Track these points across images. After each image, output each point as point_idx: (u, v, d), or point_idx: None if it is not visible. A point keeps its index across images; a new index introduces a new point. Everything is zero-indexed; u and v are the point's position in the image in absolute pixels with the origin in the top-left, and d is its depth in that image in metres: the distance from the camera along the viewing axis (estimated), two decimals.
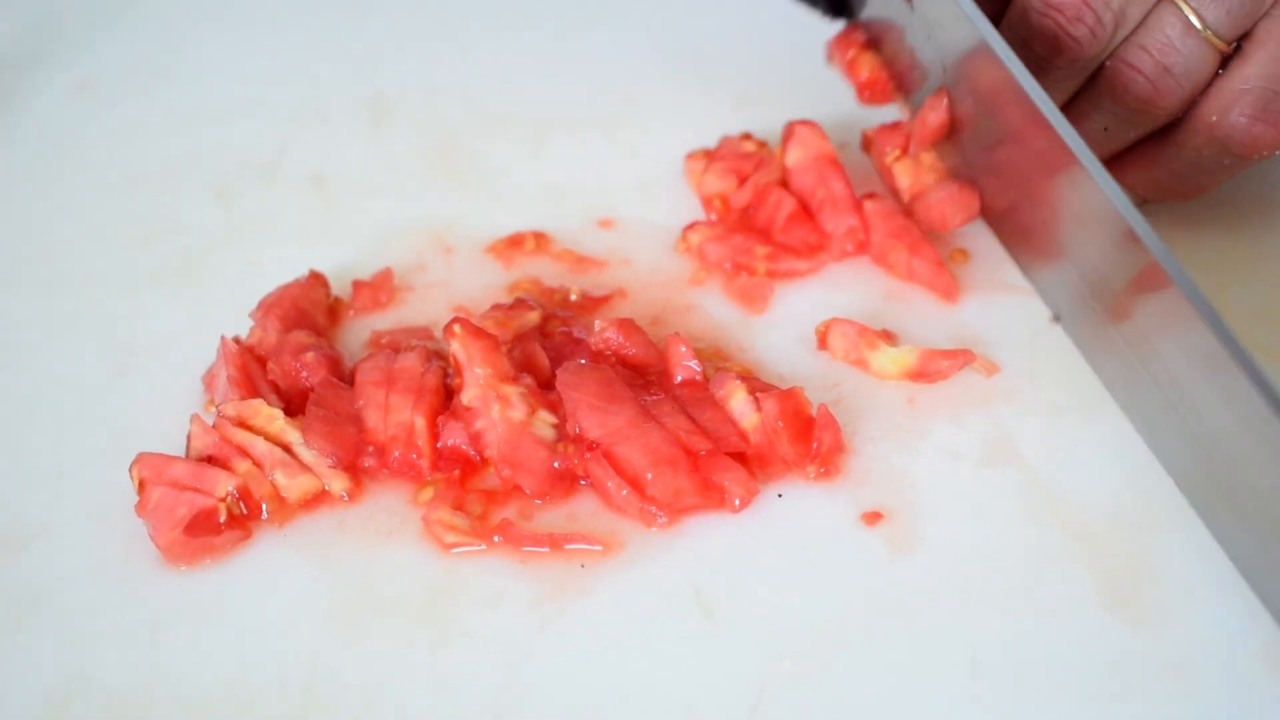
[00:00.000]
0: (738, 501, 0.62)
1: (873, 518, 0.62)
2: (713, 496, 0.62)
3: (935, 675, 0.57)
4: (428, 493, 0.64)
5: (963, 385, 0.66)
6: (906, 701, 0.56)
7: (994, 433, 0.64)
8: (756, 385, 0.65)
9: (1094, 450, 0.63)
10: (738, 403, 0.64)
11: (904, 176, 0.73)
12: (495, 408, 0.64)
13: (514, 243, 0.75)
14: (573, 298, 0.71)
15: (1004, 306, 0.69)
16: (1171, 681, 0.55)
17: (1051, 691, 0.56)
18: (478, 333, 0.65)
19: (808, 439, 0.63)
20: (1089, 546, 0.59)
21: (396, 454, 0.64)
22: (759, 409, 0.63)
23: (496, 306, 0.70)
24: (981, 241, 0.73)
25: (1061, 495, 0.61)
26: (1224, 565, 0.58)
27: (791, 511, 0.62)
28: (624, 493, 0.62)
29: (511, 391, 0.64)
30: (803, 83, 0.82)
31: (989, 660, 0.57)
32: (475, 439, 0.64)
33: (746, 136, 0.78)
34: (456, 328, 0.65)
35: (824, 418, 0.63)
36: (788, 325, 0.70)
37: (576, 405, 0.64)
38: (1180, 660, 0.56)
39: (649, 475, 0.62)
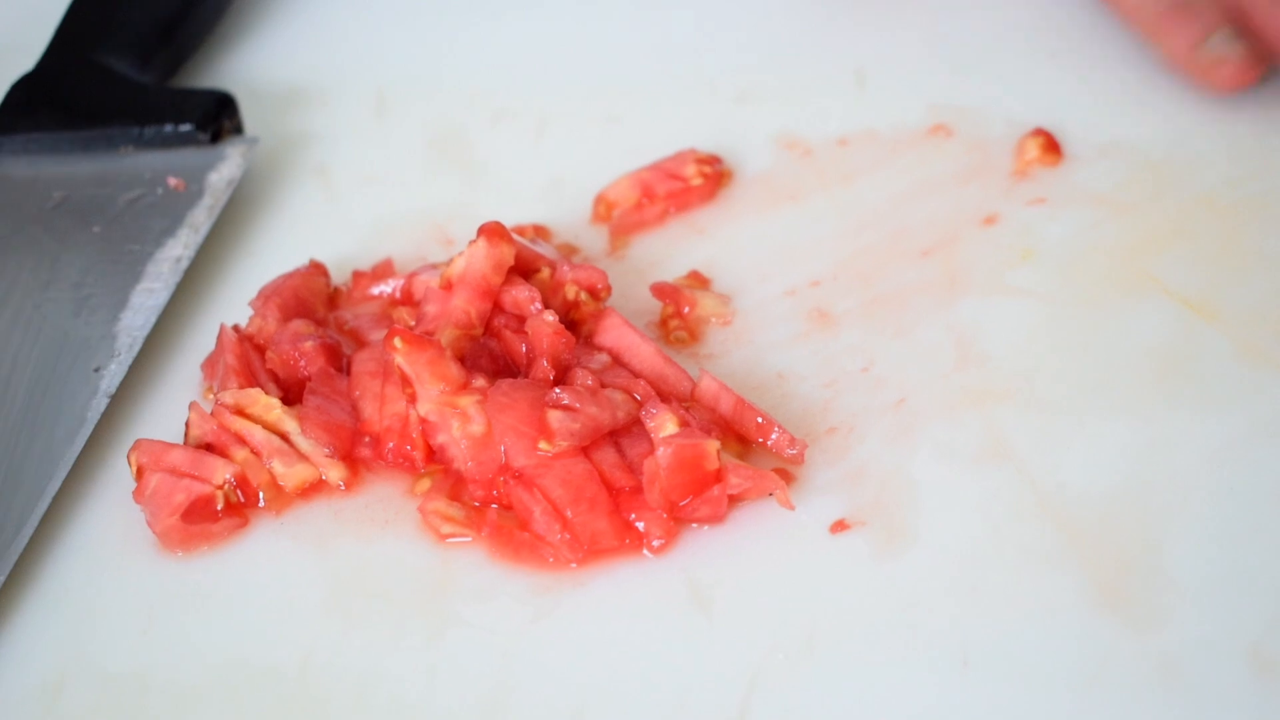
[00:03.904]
0: (656, 543, 0.61)
1: (867, 515, 0.61)
2: (633, 539, 0.61)
3: (927, 672, 0.57)
4: (424, 483, 0.64)
5: (957, 384, 0.66)
6: (898, 698, 0.56)
7: (988, 431, 0.64)
8: (696, 420, 0.62)
9: (1088, 450, 0.63)
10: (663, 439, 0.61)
11: None
12: (454, 424, 0.62)
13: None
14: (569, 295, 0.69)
15: (1000, 307, 0.69)
16: (1162, 680, 0.56)
17: (1042, 689, 0.56)
18: (421, 343, 0.63)
19: (700, 491, 0.61)
20: (1081, 545, 0.60)
21: (391, 445, 0.64)
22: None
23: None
24: None
25: (1054, 494, 0.61)
26: (1214, 564, 0.59)
27: (786, 508, 0.62)
28: (550, 524, 0.60)
29: (468, 403, 0.62)
30: (805, 79, 0.82)
31: (980, 657, 0.57)
32: (441, 452, 0.63)
33: (702, 159, 0.76)
34: (397, 341, 0.63)
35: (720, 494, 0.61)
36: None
37: (504, 430, 0.61)
38: (1170, 659, 0.56)
39: (569, 513, 0.60)
